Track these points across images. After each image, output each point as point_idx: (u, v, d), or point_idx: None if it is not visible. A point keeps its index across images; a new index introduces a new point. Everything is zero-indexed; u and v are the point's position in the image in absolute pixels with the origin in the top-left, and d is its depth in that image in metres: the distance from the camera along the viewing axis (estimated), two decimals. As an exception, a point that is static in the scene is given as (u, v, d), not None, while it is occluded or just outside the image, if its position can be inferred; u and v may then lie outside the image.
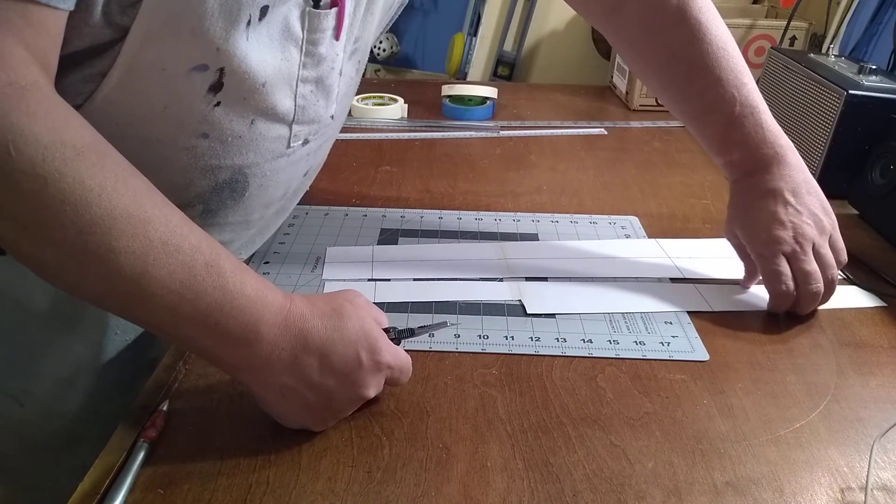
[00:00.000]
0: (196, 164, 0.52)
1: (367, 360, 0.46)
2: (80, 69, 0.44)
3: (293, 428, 0.47)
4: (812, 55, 0.98)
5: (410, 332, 0.53)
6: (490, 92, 1.15)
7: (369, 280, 0.66)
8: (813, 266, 0.61)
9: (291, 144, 0.56)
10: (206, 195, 0.54)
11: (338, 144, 1.01)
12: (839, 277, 0.64)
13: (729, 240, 0.68)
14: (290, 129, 0.55)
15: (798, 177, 0.64)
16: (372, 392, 0.48)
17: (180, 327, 0.42)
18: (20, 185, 0.36)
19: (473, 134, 1.08)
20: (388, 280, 0.66)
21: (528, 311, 0.62)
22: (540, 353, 0.57)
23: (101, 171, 0.39)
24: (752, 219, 0.64)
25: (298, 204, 0.81)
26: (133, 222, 0.39)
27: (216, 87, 0.47)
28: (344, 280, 0.66)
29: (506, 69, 2.00)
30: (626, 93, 1.25)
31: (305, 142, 0.57)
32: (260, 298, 0.43)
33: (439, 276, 0.67)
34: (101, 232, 0.38)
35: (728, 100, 0.64)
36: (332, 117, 0.59)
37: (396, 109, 1.13)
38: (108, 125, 0.41)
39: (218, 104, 0.49)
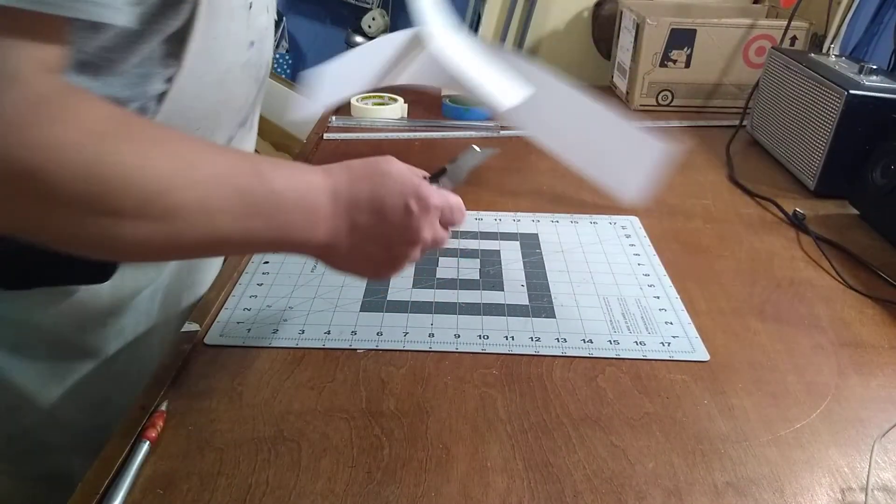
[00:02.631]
0: (248, 75, 0.58)
1: (416, 207, 0.48)
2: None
3: (371, 280, 0.50)
4: (813, 55, 0.98)
5: (442, 171, 0.54)
6: (490, 92, 1.15)
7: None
8: None
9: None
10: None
11: (338, 144, 1.01)
12: None
13: None
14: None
15: None
16: (428, 234, 0.49)
17: (249, 236, 0.43)
18: (83, 189, 0.36)
19: (473, 134, 1.08)
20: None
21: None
22: (540, 353, 0.57)
23: (140, 144, 0.38)
24: None
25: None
26: (183, 173, 0.39)
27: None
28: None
29: (506, 69, 1.98)
30: (627, 93, 1.25)
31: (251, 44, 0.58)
32: (310, 187, 0.46)
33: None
34: (164, 192, 0.38)
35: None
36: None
37: (396, 109, 1.13)
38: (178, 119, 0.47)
39: (251, 6, 0.54)
